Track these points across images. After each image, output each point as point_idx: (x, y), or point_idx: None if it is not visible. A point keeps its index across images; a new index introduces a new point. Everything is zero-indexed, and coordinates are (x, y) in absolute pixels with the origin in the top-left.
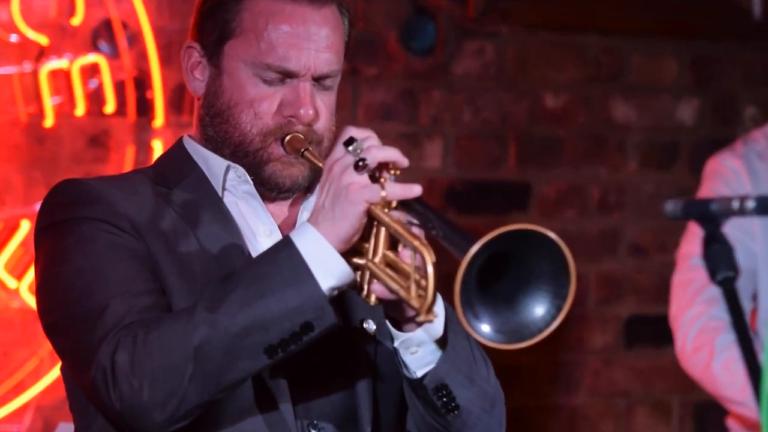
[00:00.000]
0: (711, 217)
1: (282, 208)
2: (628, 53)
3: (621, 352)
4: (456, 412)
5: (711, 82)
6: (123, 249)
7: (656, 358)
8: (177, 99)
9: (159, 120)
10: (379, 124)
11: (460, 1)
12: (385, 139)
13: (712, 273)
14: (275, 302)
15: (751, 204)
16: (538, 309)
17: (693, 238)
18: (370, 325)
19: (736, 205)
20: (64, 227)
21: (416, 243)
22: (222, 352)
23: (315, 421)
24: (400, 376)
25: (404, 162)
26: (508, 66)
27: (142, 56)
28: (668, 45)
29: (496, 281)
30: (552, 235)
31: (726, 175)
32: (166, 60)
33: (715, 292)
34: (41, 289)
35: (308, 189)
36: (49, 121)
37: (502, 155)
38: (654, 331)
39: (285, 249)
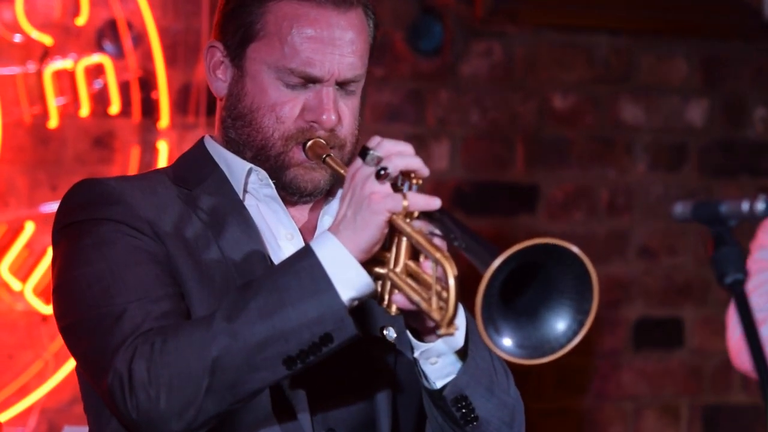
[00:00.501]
0: (720, 220)
1: (302, 212)
2: (637, 54)
3: (629, 356)
4: (475, 423)
5: (721, 83)
6: (142, 252)
7: (665, 361)
8: (182, 100)
9: (164, 121)
10: (385, 125)
11: (467, 1)
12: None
13: (721, 275)
14: (295, 313)
15: (761, 206)
16: (560, 324)
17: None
18: (391, 333)
19: (745, 207)
20: (83, 228)
21: (438, 255)
22: (240, 362)
23: (333, 429)
24: (420, 385)
25: (425, 171)
26: (516, 66)
27: (147, 56)
28: (677, 45)
29: (518, 295)
30: (575, 249)
31: None
32: (171, 60)
33: None
34: (58, 291)
35: (329, 193)
36: (53, 122)
37: (510, 156)
38: (662, 334)
39: (305, 258)
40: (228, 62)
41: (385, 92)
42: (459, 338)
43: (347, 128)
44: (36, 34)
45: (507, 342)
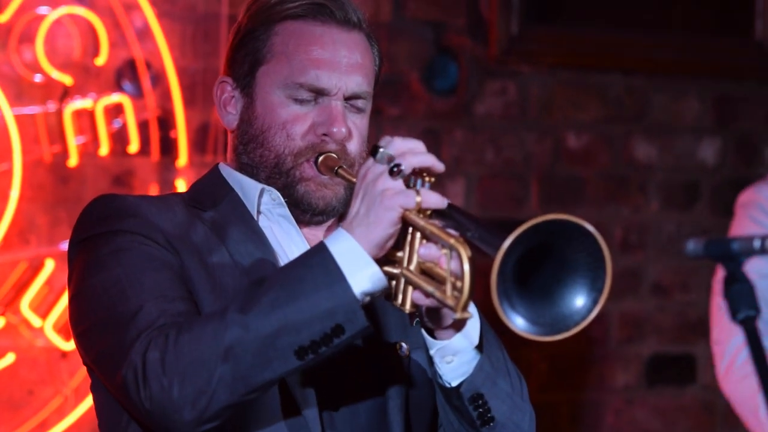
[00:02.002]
0: (732, 257)
1: (316, 232)
2: (650, 93)
3: (643, 392)
4: (491, 424)
5: (733, 122)
6: (157, 260)
7: (678, 397)
8: (200, 138)
9: (182, 159)
10: None
11: (482, 41)
12: None
13: (734, 312)
14: (307, 304)
15: None
16: (576, 301)
17: None
18: (404, 347)
19: (757, 244)
20: (101, 239)
21: (452, 241)
22: (253, 352)
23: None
24: (431, 397)
25: (440, 167)
26: (531, 106)
27: (166, 96)
28: (690, 85)
29: (533, 276)
30: (587, 225)
31: (762, 203)
32: (189, 100)
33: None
34: (76, 298)
35: (343, 215)
36: (73, 161)
37: (525, 195)
38: (676, 370)
39: (319, 253)
40: (238, 93)
41: (401, 131)
42: (474, 336)
43: (356, 146)
44: (56, 74)
45: (522, 320)
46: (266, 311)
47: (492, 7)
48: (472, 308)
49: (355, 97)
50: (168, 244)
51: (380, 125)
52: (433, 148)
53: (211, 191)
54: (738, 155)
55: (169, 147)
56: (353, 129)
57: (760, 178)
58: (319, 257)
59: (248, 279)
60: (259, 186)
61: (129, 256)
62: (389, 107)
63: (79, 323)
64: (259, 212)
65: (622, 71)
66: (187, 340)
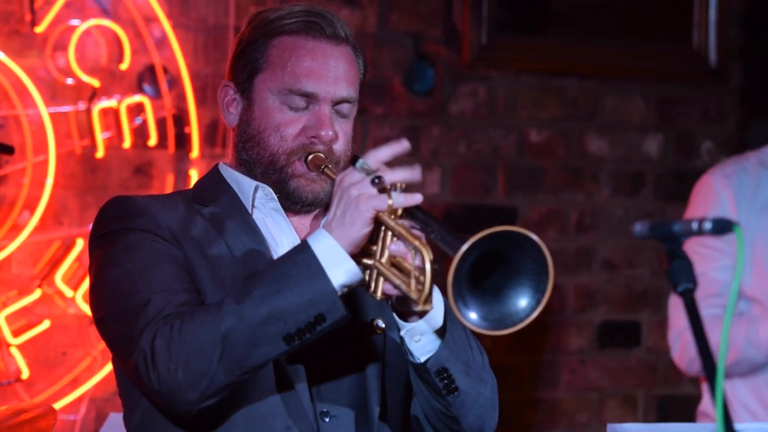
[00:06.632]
0: (673, 237)
1: (305, 221)
2: (601, 95)
3: (594, 354)
4: (456, 393)
5: (673, 120)
6: (165, 255)
7: (625, 358)
8: (211, 134)
9: (195, 152)
10: None
11: (456, 49)
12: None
13: (674, 285)
14: (293, 296)
15: (708, 225)
16: (521, 301)
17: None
18: (380, 323)
19: (695, 226)
20: (114, 236)
21: (416, 243)
22: (246, 338)
23: (327, 404)
24: (406, 367)
25: (417, 177)
26: (498, 106)
27: (181, 97)
28: (636, 88)
29: (485, 277)
30: (534, 236)
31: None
32: (201, 100)
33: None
34: (94, 290)
35: (328, 206)
36: (100, 153)
37: (492, 183)
38: (623, 335)
39: (302, 251)
40: (238, 96)
41: (385, 128)
42: (438, 318)
43: (342, 147)
44: (86, 78)
45: (474, 315)
46: (257, 302)
47: (464, 19)
48: (437, 293)
49: (341, 101)
50: (173, 239)
51: (366, 123)
52: (413, 143)
53: (211, 189)
54: (677, 149)
55: (183, 141)
56: (339, 132)
57: (694, 169)
58: (303, 254)
59: (243, 268)
60: (254, 183)
61: (139, 252)
62: (374, 107)
63: (96, 311)
64: (253, 206)
65: (577, 76)
66: (190, 328)
